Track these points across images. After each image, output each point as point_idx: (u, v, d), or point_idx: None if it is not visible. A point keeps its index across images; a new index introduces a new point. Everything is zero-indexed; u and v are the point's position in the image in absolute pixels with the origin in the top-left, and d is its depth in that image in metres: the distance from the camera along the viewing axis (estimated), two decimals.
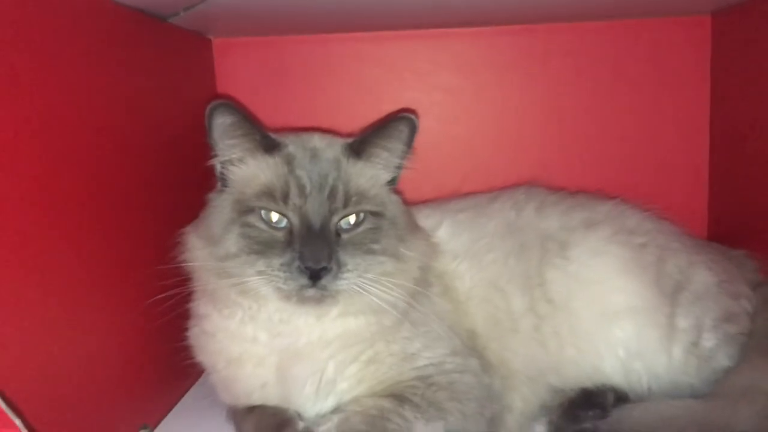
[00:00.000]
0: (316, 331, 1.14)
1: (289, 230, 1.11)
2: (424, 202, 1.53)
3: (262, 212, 1.12)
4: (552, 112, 1.77)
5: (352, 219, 1.13)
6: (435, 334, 1.21)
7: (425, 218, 1.39)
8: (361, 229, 1.13)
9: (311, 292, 1.08)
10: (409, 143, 1.20)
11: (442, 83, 1.77)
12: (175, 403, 1.42)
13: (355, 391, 1.15)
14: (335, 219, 1.12)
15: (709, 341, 1.27)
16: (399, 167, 1.22)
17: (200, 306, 1.22)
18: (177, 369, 1.27)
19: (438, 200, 1.51)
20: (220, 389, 1.24)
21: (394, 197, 1.22)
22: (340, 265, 1.08)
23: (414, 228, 1.25)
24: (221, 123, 1.13)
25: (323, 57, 1.78)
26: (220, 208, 1.16)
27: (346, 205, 1.12)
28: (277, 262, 1.08)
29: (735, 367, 1.23)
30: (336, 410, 1.15)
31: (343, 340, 1.15)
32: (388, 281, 1.12)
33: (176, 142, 1.48)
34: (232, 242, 1.12)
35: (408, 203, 1.49)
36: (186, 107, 1.60)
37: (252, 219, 1.12)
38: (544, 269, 1.31)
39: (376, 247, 1.13)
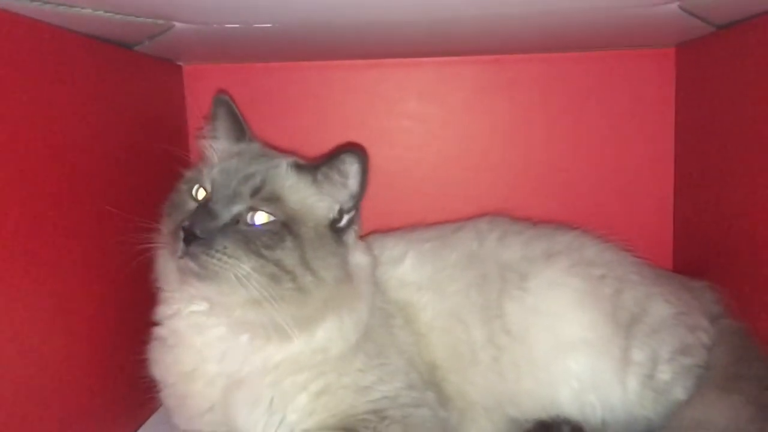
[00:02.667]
0: (258, 357, 1.15)
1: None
2: (393, 230, 1.54)
3: (195, 186, 1.18)
4: (518, 141, 1.79)
5: (260, 217, 1.13)
6: (391, 367, 1.22)
7: (392, 248, 1.40)
8: (260, 229, 1.12)
9: (184, 261, 1.08)
10: (358, 180, 1.19)
11: (410, 111, 1.79)
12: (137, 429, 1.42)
13: (306, 424, 1.15)
14: (239, 206, 1.12)
15: (664, 374, 1.27)
16: (345, 207, 1.21)
17: (158, 312, 1.24)
18: (141, 393, 1.27)
19: (404, 229, 1.52)
20: (172, 409, 1.24)
21: (329, 236, 1.18)
22: (214, 244, 1.07)
23: (343, 280, 1.18)
24: (215, 107, 1.31)
25: (293, 84, 1.79)
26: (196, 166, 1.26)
27: (253, 195, 1.13)
28: (174, 223, 1.14)
29: (689, 400, 1.24)
30: None
31: (285, 367, 1.15)
32: (272, 292, 1.09)
33: (147, 169, 1.49)
34: (169, 199, 1.23)
35: (380, 231, 1.53)
36: (156, 133, 1.61)
37: (185, 188, 1.20)
38: (503, 300, 1.31)
39: (265, 252, 1.10)
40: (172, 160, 1.67)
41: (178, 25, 1.22)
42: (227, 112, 1.30)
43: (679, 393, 1.27)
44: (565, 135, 1.78)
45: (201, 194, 1.17)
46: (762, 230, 1.31)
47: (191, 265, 1.09)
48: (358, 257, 1.26)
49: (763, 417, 1.13)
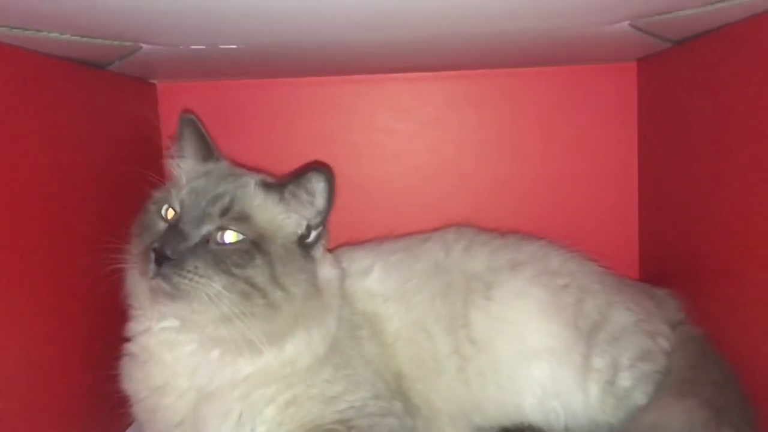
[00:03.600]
0: (227, 371, 1.17)
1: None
2: (363, 242, 1.57)
3: (164, 206, 1.19)
4: (486, 154, 1.83)
5: (229, 236, 1.15)
6: (358, 378, 1.24)
7: (360, 260, 1.44)
8: (230, 248, 1.14)
9: (156, 282, 1.10)
10: (324, 197, 1.22)
11: (380, 125, 1.82)
12: None
13: None
14: (208, 226, 1.14)
15: (625, 380, 1.30)
16: (313, 224, 1.23)
17: (129, 328, 1.26)
18: (115, 408, 1.28)
19: (374, 241, 1.55)
20: (143, 423, 1.26)
21: (298, 252, 1.21)
22: (185, 265, 1.09)
23: (311, 294, 1.21)
24: (181, 127, 1.32)
25: (267, 101, 1.82)
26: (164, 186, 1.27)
27: (223, 215, 1.15)
28: (144, 243, 1.16)
29: (646, 405, 1.27)
30: None
31: (254, 380, 1.17)
32: (243, 308, 1.11)
33: (122, 187, 1.51)
34: (138, 220, 1.23)
35: (350, 243, 1.56)
36: (131, 151, 1.63)
37: (153, 208, 1.21)
38: (469, 310, 1.35)
39: (236, 270, 1.12)
40: (147, 179, 1.71)
41: (145, 46, 1.25)
42: (194, 131, 1.32)
43: (640, 398, 1.30)
44: (532, 148, 1.82)
45: (170, 214, 1.19)
46: (724, 238, 1.35)
47: (163, 285, 1.11)
48: (326, 271, 1.28)
49: (718, 420, 1.16)
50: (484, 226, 1.59)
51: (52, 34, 1.10)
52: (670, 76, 1.60)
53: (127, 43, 1.23)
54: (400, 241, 1.51)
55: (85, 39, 1.15)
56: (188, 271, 1.09)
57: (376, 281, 1.40)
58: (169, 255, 1.09)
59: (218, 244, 1.14)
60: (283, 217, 1.21)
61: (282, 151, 1.82)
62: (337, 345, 1.25)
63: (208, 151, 1.32)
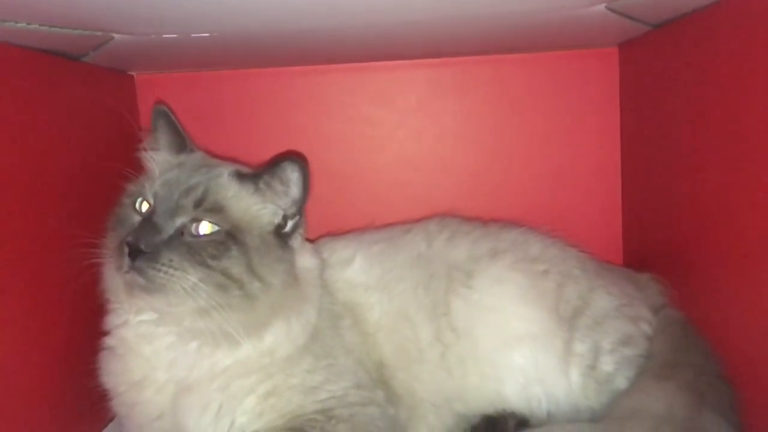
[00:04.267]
0: (206, 363, 1.16)
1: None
2: (346, 232, 1.56)
3: (138, 199, 1.18)
4: (468, 141, 1.82)
5: (204, 228, 1.13)
6: (339, 367, 1.24)
7: (341, 250, 1.43)
8: (205, 240, 1.12)
9: (131, 276, 1.09)
10: (299, 186, 1.20)
11: (363, 114, 1.81)
12: None
13: (255, 425, 1.16)
14: (182, 217, 1.13)
15: (607, 365, 1.31)
16: (289, 213, 1.22)
17: (107, 322, 1.25)
18: (95, 403, 1.27)
19: (356, 231, 1.54)
20: (123, 417, 1.25)
21: (275, 242, 1.20)
22: (160, 258, 1.08)
23: (290, 284, 1.20)
24: (154, 119, 1.31)
25: (246, 91, 1.81)
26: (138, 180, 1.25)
27: (197, 207, 1.14)
28: (118, 237, 1.15)
29: (627, 390, 1.27)
30: None
31: (233, 371, 1.16)
32: (220, 300, 1.10)
33: (99, 180, 1.49)
34: (113, 213, 1.22)
35: (333, 233, 1.55)
36: (108, 144, 1.61)
37: (127, 201, 1.20)
38: (450, 298, 1.34)
39: (211, 262, 1.11)
40: (124, 172, 1.69)
41: (117, 36, 1.23)
42: (166, 123, 1.30)
43: (622, 383, 1.30)
44: (514, 135, 1.81)
45: (144, 207, 1.17)
46: (706, 222, 1.34)
47: (138, 279, 1.10)
48: (305, 260, 1.27)
49: (698, 402, 1.16)
50: (467, 214, 1.59)
51: (19, 24, 1.08)
52: (652, 60, 1.59)
53: (99, 33, 1.21)
54: (382, 231, 1.50)
55: (54, 29, 1.13)
56: (163, 264, 1.08)
57: (357, 271, 1.39)
58: (143, 248, 1.08)
59: (193, 236, 1.13)
60: (258, 208, 1.20)
61: (262, 142, 1.80)
62: (318, 335, 1.24)
63: (181, 142, 1.30)
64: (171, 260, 1.09)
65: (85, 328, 1.30)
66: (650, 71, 1.61)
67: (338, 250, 1.43)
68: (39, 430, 1.26)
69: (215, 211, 1.14)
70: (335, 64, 1.78)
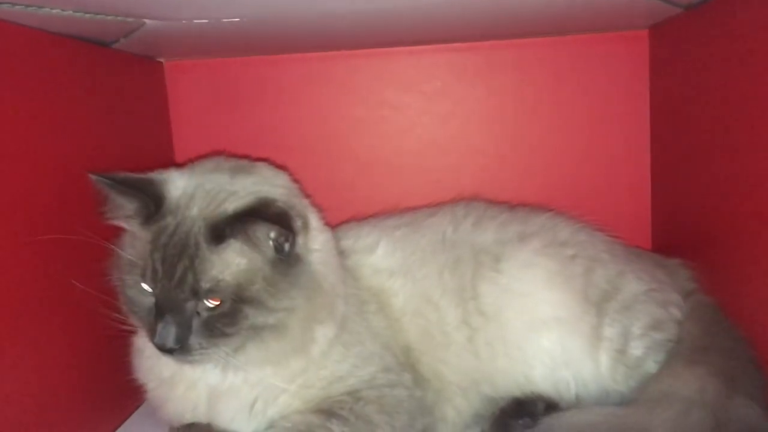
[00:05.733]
0: (239, 376, 1.18)
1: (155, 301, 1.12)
2: (372, 217, 1.57)
3: (141, 283, 1.13)
4: (496, 126, 1.81)
5: (211, 303, 1.09)
6: (367, 353, 1.24)
7: (365, 236, 1.43)
8: (216, 312, 1.09)
9: (175, 358, 1.12)
10: (281, 222, 1.10)
11: (387, 100, 1.81)
12: (124, 420, 1.45)
13: (286, 413, 1.18)
14: (189, 307, 1.09)
15: (636, 349, 1.30)
16: (280, 243, 1.12)
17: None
18: (127, 385, 1.30)
19: (380, 216, 1.55)
20: (156, 407, 1.27)
21: (281, 267, 1.13)
22: (191, 349, 1.09)
23: (313, 294, 1.16)
24: (102, 192, 1.14)
25: (273, 77, 1.82)
26: (123, 247, 1.17)
27: (195, 294, 1.09)
28: (144, 327, 1.14)
29: (657, 373, 1.27)
30: (268, 427, 1.18)
31: (270, 376, 1.18)
32: (258, 347, 1.13)
33: (128, 166, 1.51)
34: (120, 290, 1.18)
35: (357, 219, 1.56)
36: (138, 131, 1.64)
37: (130, 281, 1.14)
38: (477, 282, 1.34)
39: (232, 330, 1.10)
40: (156, 155, 1.72)
41: (148, 22, 1.24)
42: (123, 191, 1.14)
43: (651, 367, 1.29)
44: (541, 119, 1.80)
45: (148, 289, 1.13)
46: (737, 207, 1.33)
47: (180, 362, 1.14)
48: (318, 256, 1.21)
49: (729, 387, 1.15)
50: (493, 200, 1.58)
51: (53, 11, 1.10)
52: (683, 42, 1.57)
53: (130, 19, 1.23)
54: (406, 216, 1.50)
55: (87, 15, 1.15)
56: (195, 351, 1.10)
57: (381, 257, 1.39)
58: (173, 347, 1.09)
59: (207, 310, 1.10)
60: (248, 260, 1.11)
61: (288, 128, 1.82)
62: (346, 322, 1.24)
63: (146, 204, 1.15)
64: (200, 344, 1.10)
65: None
66: (681, 54, 1.59)
67: (362, 236, 1.43)
68: (80, 400, 1.29)
69: (212, 291, 1.09)
70: (360, 50, 1.78)
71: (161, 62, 1.80)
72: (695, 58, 1.51)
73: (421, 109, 1.82)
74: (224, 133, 1.81)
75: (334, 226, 1.45)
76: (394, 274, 1.36)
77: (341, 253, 1.35)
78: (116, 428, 1.42)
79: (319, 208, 1.33)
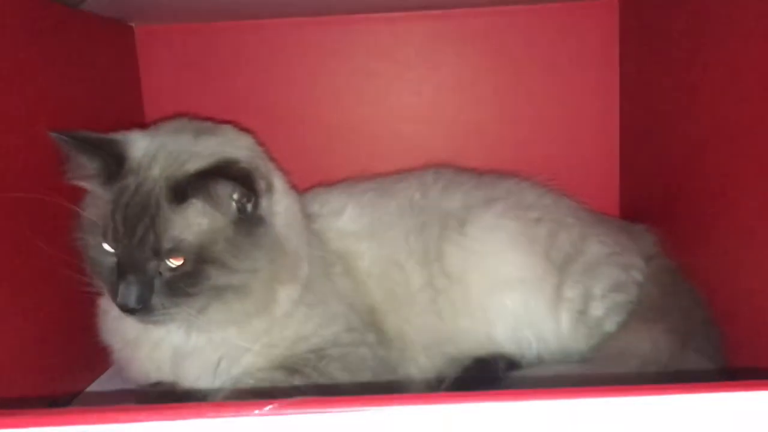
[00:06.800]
0: (203, 336, 1.19)
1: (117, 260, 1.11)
2: (340, 181, 1.58)
3: (102, 243, 1.13)
4: (468, 93, 1.82)
5: (173, 263, 1.09)
6: (331, 313, 1.26)
7: (333, 201, 1.44)
8: (178, 273, 1.09)
9: (137, 318, 1.12)
10: (243, 182, 1.10)
11: (360, 66, 1.81)
12: (92, 381, 1.46)
13: (250, 371, 1.20)
14: (150, 267, 1.09)
15: (597, 310, 1.32)
16: (243, 203, 1.12)
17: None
18: (95, 347, 1.30)
19: (349, 181, 1.55)
20: (122, 368, 1.28)
21: (244, 227, 1.13)
22: (153, 308, 1.09)
23: (277, 255, 1.17)
24: (64, 150, 1.14)
25: (245, 43, 1.81)
26: (84, 208, 1.17)
27: (157, 254, 1.08)
28: (106, 288, 1.15)
29: (616, 332, 1.29)
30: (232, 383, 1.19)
31: (232, 340, 1.19)
32: (221, 308, 1.14)
33: (98, 129, 1.50)
34: (83, 250, 1.17)
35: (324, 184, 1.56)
36: (108, 95, 1.63)
37: (92, 242, 1.14)
38: (443, 245, 1.36)
39: (195, 290, 1.10)
40: (126, 121, 1.71)
41: None
42: (86, 149, 1.14)
43: (611, 327, 1.32)
44: (513, 87, 1.81)
45: (110, 249, 1.12)
46: (702, 174, 1.35)
47: (149, 320, 1.13)
48: (282, 219, 1.22)
49: (683, 343, 1.19)
50: (465, 166, 1.59)
51: None
52: (652, 11, 1.58)
53: None
54: (374, 181, 1.51)
55: None
56: (157, 311, 1.10)
57: (348, 220, 1.40)
58: (134, 307, 1.09)
59: (169, 270, 1.10)
60: (210, 220, 1.11)
61: (261, 94, 1.82)
62: (311, 284, 1.25)
63: (107, 167, 1.14)
64: (162, 304, 1.10)
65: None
66: (651, 24, 1.60)
67: (330, 201, 1.44)
68: (31, 380, 1.28)
69: (174, 250, 1.09)
70: (333, 15, 1.78)
71: (132, 26, 1.78)
72: (665, 28, 1.52)
73: (394, 76, 1.82)
74: (195, 99, 1.80)
75: (303, 191, 1.46)
76: (361, 238, 1.37)
77: (309, 217, 1.36)
78: (85, 388, 1.43)
79: (286, 172, 1.33)
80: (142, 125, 1.75)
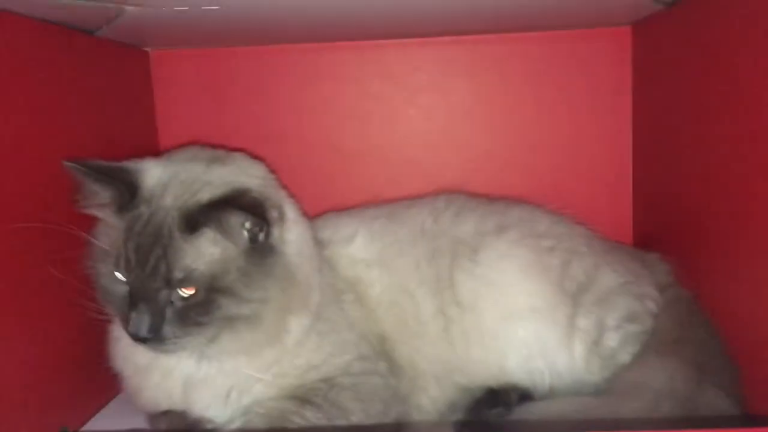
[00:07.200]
0: (214, 365, 1.19)
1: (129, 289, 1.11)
2: (352, 207, 1.58)
3: (115, 272, 1.13)
4: (480, 120, 1.82)
5: (185, 292, 1.09)
6: (342, 341, 1.25)
7: (344, 227, 1.44)
8: (190, 302, 1.09)
9: (149, 347, 1.12)
10: (255, 212, 1.10)
11: (372, 92, 1.81)
12: (102, 407, 1.45)
13: (261, 400, 1.19)
14: (162, 296, 1.09)
15: (611, 340, 1.31)
16: (254, 233, 1.12)
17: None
18: (105, 372, 1.30)
19: (360, 207, 1.55)
20: (132, 395, 1.28)
21: (255, 256, 1.13)
22: (164, 338, 1.09)
23: (287, 285, 1.17)
24: (77, 178, 1.14)
25: (259, 68, 1.82)
26: (97, 236, 1.17)
27: (168, 284, 1.08)
28: (118, 316, 1.15)
29: (629, 364, 1.28)
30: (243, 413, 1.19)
31: (243, 369, 1.18)
32: (231, 338, 1.13)
33: (112, 155, 1.50)
34: (95, 279, 1.17)
35: (336, 209, 1.56)
36: (123, 120, 1.64)
37: (104, 271, 1.15)
38: (454, 272, 1.35)
39: (206, 319, 1.10)
40: (140, 146, 1.72)
41: (128, 8, 1.25)
42: (98, 178, 1.14)
43: (625, 358, 1.30)
44: (525, 114, 1.81)
45: (122, 278, 1.13)
46: (717, 204, 1.33)
47: (154, 351, 1.14)
48: (293, 248, 1.21)
49: (699, 377, 1.17)
50: (477, 192, 1.59)
51: None
52: (665, 39, 1.58)
53: (110, 5, 1.23)
54: (386, 207, 1.51)
55: (66, 0, 1.15)
56: (169, 340, 1.10)
57: (359, 247, 1.40)
58: (146, 337, 1.09)
59: (181, 299, 1.10)
60: (222, 250, 1.11)
61: (274, 119, 1.82)
62: (322, 312, 1.25)
63: (122, 193, 1.14)
64: (174, 333, 1.10)
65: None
66: (664, 51, 1.59)
67: (341, 227, 1.44)
68: (57, 387, 1.29)
69: (186, 280, 1.09)
70: (346, 42, 1.79)
71: (147, 51, 1.80)
72: (678, 55, 1.51)
73: (406, 102, 1.83)
74: (209, 123, 1.81)
75: (314, 216, 1.46)
76: (372, 265, 1.37)
77: (319, 244, 1.36)
78: (94, 415, 1.42)
79: (298, 199, 1.34)
80: (157, 150, 1.78)
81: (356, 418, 1.19)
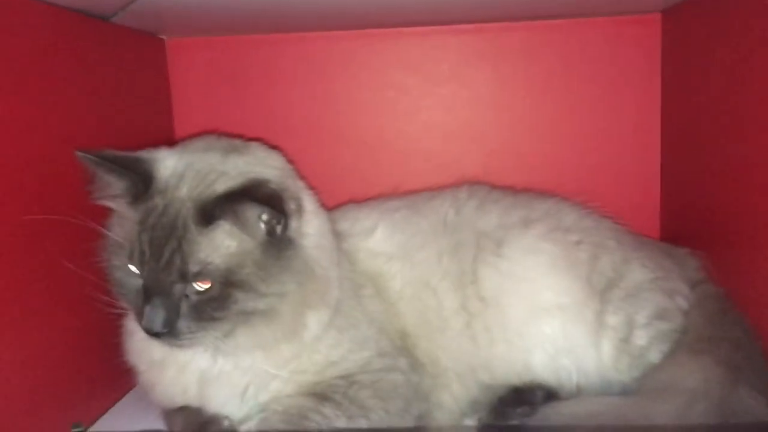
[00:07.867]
0: (230, 361, 1.15)
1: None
2: (373, 198, 1.54)
3: (128, 264, 1.10)
4: (503, 109, 1.78)
5: (200, 286, 1.06)
6: (362, 337, 1.22)
7: (363, 219, 1.40)
8: (205, 296, 1.06)
9: (163, 341, 1.09)
10: (273, 204, 1.06)
11: (393, 82, 1.78)
12: (115, 402, 1.43)
13: (278, 397, 1.16)
14: (177, 291, 1.06)
15: (640, 338, 1.26)
16: (272, 225, 1.09)
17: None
18: (119, 366, 1.27)
19: (379, 198, 1.51)
20: (147, 390, 1.25)
21: (272, 250, 1.09)
22: (179, 332, 1.06)
23: (305, 278, 1.13)
24: (90, 169, 1.10)
25: (276, 57, 1.79)
26: (110, 228, 1.14)
27: (183, 277, 1.05)
28: (132, 309, 1.12)
29: (660, 363, 1.23)
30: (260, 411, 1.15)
31: (259, 365, 1.15)
32: (248, 333, 1.10)
33: (128, 144, 1.48)
34: (108, 271, 1.14)
35: (355, 201, 1.53)
36: (138, 108, 1.61)
37: (117, 264, 1.11)
38: (478, 267, 1.31)
39: (222, 314, 1.07)
40: (155, 135, 1.69)
41: None
42: (110, 169, 1.10)
43: (655, 357, 1.26)
44: (550, 103, 1.76)
45: (136, 271, 1.09)
46: (748, 197, 1.29)
47: (176, 344, 1.10)
48: (312, 240, 1.17)
49: (733, 377, 1.12)
50: (499, 184, 1.54)
51: None
52: (696, 26, 1.53)
53: None
54: (406, 198, 1.47)
55: None
56: (183, 334, 1.07)
57: (379, 240, 1.36)
58: (160, 331, 1.06)
59: (196, 293, 1.07)
60: (238, 243, 1.08)
61: (292, 108, 1.79)
62: (341, 306, 1.21)
63: (135, 183, 1.11)
64: (189, 328, 1.07)
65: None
66: (694, 38, 1.54)
67: (360, 219, 1.40)
68: (69, 382, 1.27)
69: (201, 273, 1.05)
70: (365, 29, 1.75)
71: (163, 39, 1.77)
72: (710, 44, 1.46)
73: (426, 92, 1.78)
74: (225, 112, 1.79)
75: (333, 208, 1.42)
76: (392, 258, 1.33)
77: (338, 236, 1.32)
78: (108, 410, 1.40)
79: (317, 190, 1.29)
80: (172, 139, 1.75)
81: (376, 416, 1.15)
